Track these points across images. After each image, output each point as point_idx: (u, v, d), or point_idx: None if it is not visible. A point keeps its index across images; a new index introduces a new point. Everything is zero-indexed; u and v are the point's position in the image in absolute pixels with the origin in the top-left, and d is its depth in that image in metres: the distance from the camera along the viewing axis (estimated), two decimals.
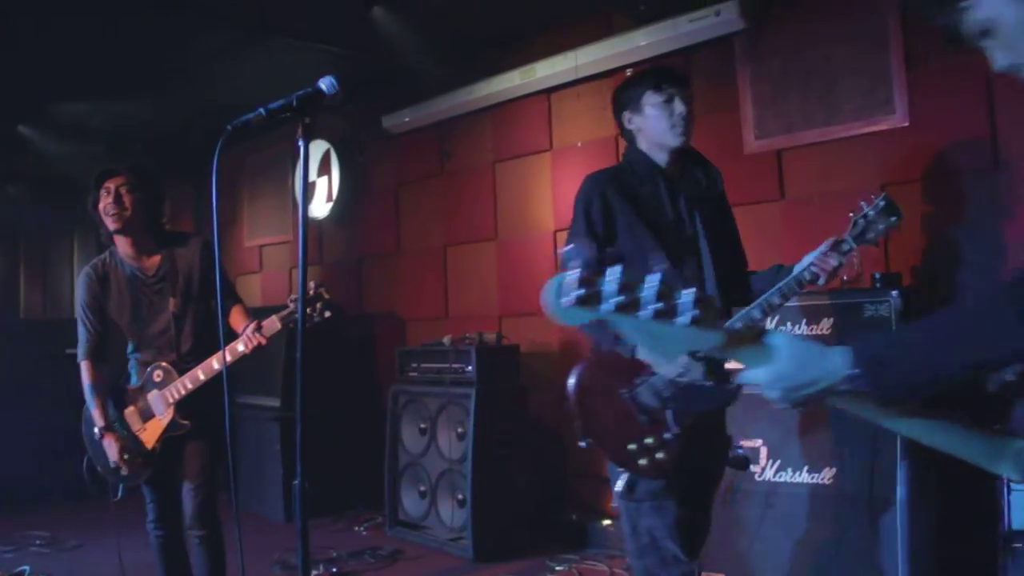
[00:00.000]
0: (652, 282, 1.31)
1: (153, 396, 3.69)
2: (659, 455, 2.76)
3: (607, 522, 5.19)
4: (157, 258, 3.75)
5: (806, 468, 3.71)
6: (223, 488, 3.86)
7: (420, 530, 5.54)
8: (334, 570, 4.95)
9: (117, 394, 3.79)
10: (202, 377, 3.56)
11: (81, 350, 3.77)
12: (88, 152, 7.65)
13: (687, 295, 1.32)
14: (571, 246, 2.85)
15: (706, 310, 1.32)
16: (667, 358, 1.43)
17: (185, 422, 3.63)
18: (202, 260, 3.74)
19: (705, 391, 2.72)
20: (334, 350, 6.65)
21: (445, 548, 5.27)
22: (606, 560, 4.85)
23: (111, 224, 3.68)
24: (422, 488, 5.55)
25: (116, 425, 3.74)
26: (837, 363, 1.45)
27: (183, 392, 3.61)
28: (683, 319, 1.31)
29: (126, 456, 3.65)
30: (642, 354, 1.29)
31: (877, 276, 3.84)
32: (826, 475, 3.65)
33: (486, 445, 5.08)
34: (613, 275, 1.32)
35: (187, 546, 3.83)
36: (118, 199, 3.65)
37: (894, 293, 3.63)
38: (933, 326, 1.50)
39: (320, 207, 7.35)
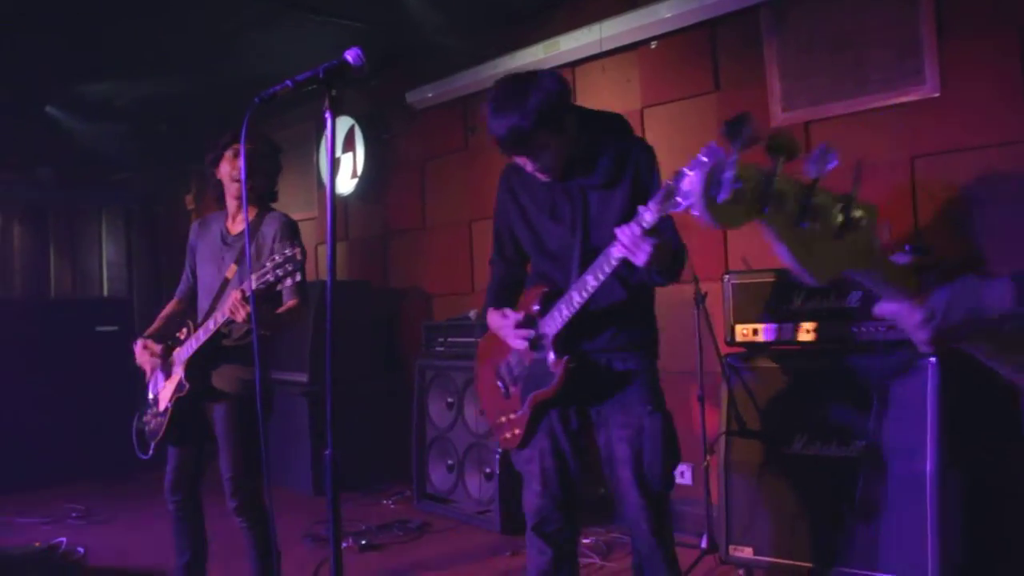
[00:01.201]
0: (818, 191, 1.20)
1: (175, 354, 3.71)
2: (515, 431, 3.00)
3: None
4: (246, 225, 3.74)
5: (835, 441, 3.70)
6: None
7: (448, 503, 5.59)
8: (363, 542, 5.00)
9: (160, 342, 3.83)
10: (202, 336, 3.53)
11: (177, 290, 4.00)
12: (114, 132, 7.71)
13: (858, 209, 1.22)
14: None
15: (873, 227, 1.23)
16: (818, 276, 1.25)
17: (186, 383, 3.59)
18: (275, 236, 3.64)
19: (539, 373, 2.88)
20: (361, 325, 6.69)
21: (472, 521, 5.31)
22: None
23: (231, 190, 3.71)
24: (449, 462, 5.58)
25: (154, 377, 3.81)
26: (998, 298, 1.32)
27: (190, 351, 3.59)
28: (852, 236, 1.21)
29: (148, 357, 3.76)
30: (793, 266, 1.25)
31: (907, 248, 3.80)
32: (855, 448, 3.64)
33: None
34: (775, 172, 1.18)
35: (201, 519, 3.86)
36: (236, 164, 3.65)
37: None
38: None
39: (345, 184, 7.36)
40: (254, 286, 3.21)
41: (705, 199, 1.16)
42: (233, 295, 3.27)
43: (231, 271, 3.68)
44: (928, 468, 3.41)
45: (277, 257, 3.15)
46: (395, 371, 6.79)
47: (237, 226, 3.79)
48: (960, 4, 4.02)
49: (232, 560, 3.99)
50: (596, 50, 5.34)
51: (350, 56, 2.24)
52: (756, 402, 3.91)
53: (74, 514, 6.01)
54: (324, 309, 2.28)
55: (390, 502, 6.01)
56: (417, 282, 6.98)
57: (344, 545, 4.93)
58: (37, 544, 4.98)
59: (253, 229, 3.71)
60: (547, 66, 5.63)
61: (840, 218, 1.22)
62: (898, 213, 4.16)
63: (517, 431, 3.00)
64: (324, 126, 2.22)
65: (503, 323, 2.96)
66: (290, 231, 3.69)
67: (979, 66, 3.96)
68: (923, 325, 1.35)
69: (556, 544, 3.00)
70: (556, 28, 5.56)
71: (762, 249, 4.57)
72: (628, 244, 2.44)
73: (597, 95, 5.54)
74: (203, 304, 3.76)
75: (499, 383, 3.09)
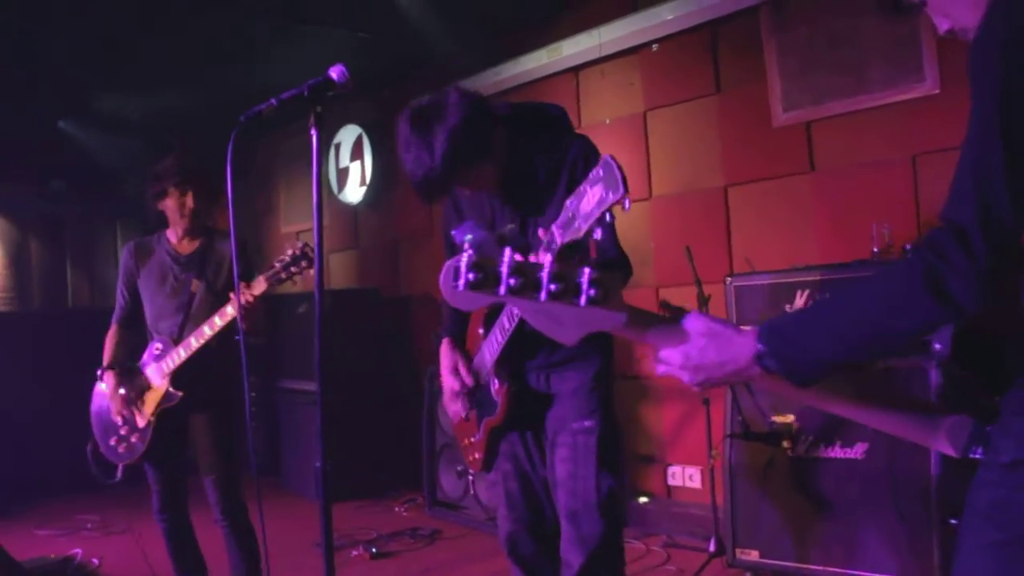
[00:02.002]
0: (547, 263, 1.32)
1: (151, 369, 3.76)
2: (476, 454, 2.90)
3: (644, 499, 5.21)
4: (197, 244, 3.84)
5: (839, 443, 3.69)
6: (272, 472, 3.88)
7: (458, 510, 5.60)
8: (374, 550, 5.02)
9: (125, 372, 3.86)
10: (194, 343, 3.58)
11: (113, 317, 3.99)
12: (126, 145, 7.78)
13: (585, 275, 1.31)
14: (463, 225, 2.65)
15: (605, 290, 1.31)
16: (566, 339, 1.38)
17: (178, 392, 3.66)
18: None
19: (488, 400, 2.78)
20: (372, 333, 6.72)
21: (483, 527, 5.31)
22: (643, 538, 4.86)
23: (177, 224, 3.83)
24: (459, 468, 5.59)
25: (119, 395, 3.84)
26: (746, 344, 1.41)
27: (178, 361, 3.65)
28: (582, 299, 1.32)
29: (124, 405, 3.77)
30: (543, 331, 1.39)
31: (908, 247, 3.78)
32: (859, 450, 3.62)
33: None
34: (508, 257, 1.32)
35: (193, 534, 3.91)
36: (185, 202, 3.78)
37: None
38: (842, 299, 1.42)
39: (354, 192, 7.40)
40: (265, 286, 3.37)
41: (450, 289, 1.33)
42: (246, 294, 3.38)
43: (195, 286, 3.78)
44: (933, 470, 3.39)
45: (286, 258, 3.32)
46: (406, 378, 6.81)
47: (185, 247, 3.87)
48: None
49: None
50: (597, 55, 5.34)
51: (334, 73, 2.26)
52: (760, 404, 3.89)
53: (89, 524, 6.08)
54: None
55: (402, 509, 6.03)
56: (428, 289, 7.00)
57: (355, 553, 4.98)
58: (52, 556, 5.04)
59: (208, 248, 3.85)
60: (550, 71, 5.67)
61: (573, 290, 1.32)
62: (900, 212, 4.14)
63: (477, 455, 2.91)
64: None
65: (447, 378, 2.88)
66: (246, 249, 3.84)
67: None
68: (682, 369, 1.46)
69: (532, 569, 2.84)
70: (560, 33, 5.57)
71: (765, 250, 4.57)
72: None
73: (600, 99, 5.54)
74: (164, 323, 3.80)
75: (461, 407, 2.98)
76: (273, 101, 2.24)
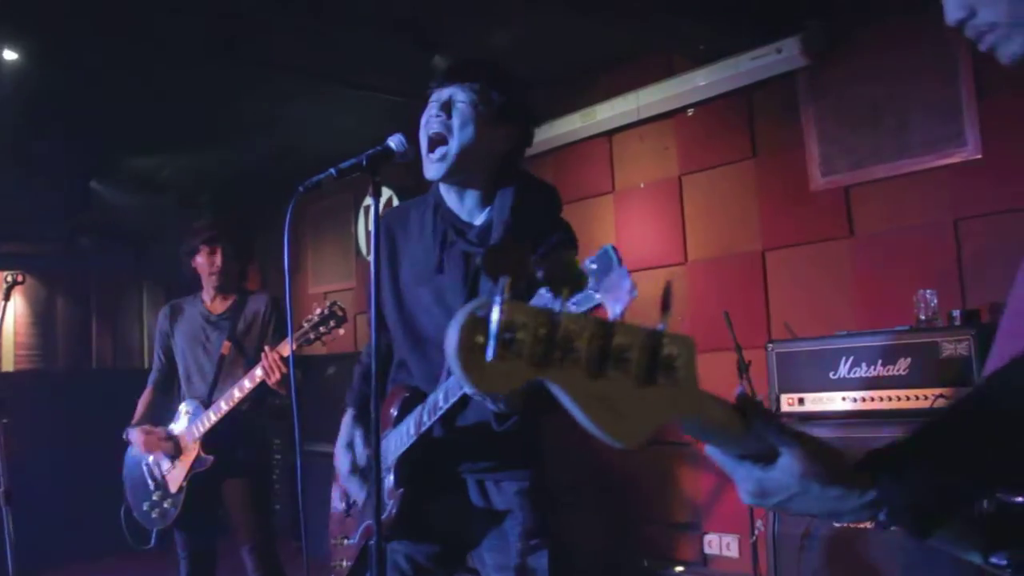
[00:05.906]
0: (618, 328, 0.86)
1: (181, 432, 3.74)
2: (343, 561, 2.52)
3: (679, 568, 5.09)
4: (229, 304, 3.86)
5: None
6: (293, 536, 3.85)
7: None
8: None
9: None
10: (224, 407, 3.56)
11: (149, 378, 4.05)
12: (157, 205, 7.83)
13: (671, 344, 0.90)
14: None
15: (688, 359, 0.92)
16: (628, 439, 0.88)
17: (209, 457, 3.63)
18: (266, 314, 3.81)
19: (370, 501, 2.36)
20: None
21: None
22: None
23: (210, 281, 3.88)
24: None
25: (148, 463, 3.83)
26: (854, 496, 1.08)
27: (208, 424, 3.63)
28: (665, 380, 0.90)
29: (158, 452, 3.77)
30: (594, 431, 0.86)
31: (955, 314, 3.73)
32: None
33: (554, 489, 5.01)
34: (558, 315, 0.82)
35: None
36: (214, 260, 3.86)
37: (973, 331, 3.51)
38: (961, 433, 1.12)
39: None
40: (294, 347, 3.32)
41: (463, 359, 0.79)
42: (271, 357, 3.33)
43: (226, 348, 3.79)
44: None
45: (314, 317, 3.26)
46: None
47: (218, 307, 3.93)
48: (999, 66, 3.98)
49: None
50: (633, 118, 5.35)
51: (393, 143, 2.25)
52: None
53: None
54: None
55: None
56: None
57: None
58: None
59: (239, 308, 3.89)
60: (584, 135, 5.68)
61: (647, 360, 0.89)
62: (943, 278, 4.09)
63: (346, 563, 2.45)
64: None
65: (339, 454, 2.54)
66: (278, 308, 3.90)
67: (1021, 126, 3.92)
68: (749, 495, 1.12)
69: None
70: (593, 97, 5.58)
71: (804, 316, 4.52)
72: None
73: (634, 163, 5.55)
74: (196, 384, 3.82)
75: (347, 493, 2.56)
76: (332, 171, 2.22)
